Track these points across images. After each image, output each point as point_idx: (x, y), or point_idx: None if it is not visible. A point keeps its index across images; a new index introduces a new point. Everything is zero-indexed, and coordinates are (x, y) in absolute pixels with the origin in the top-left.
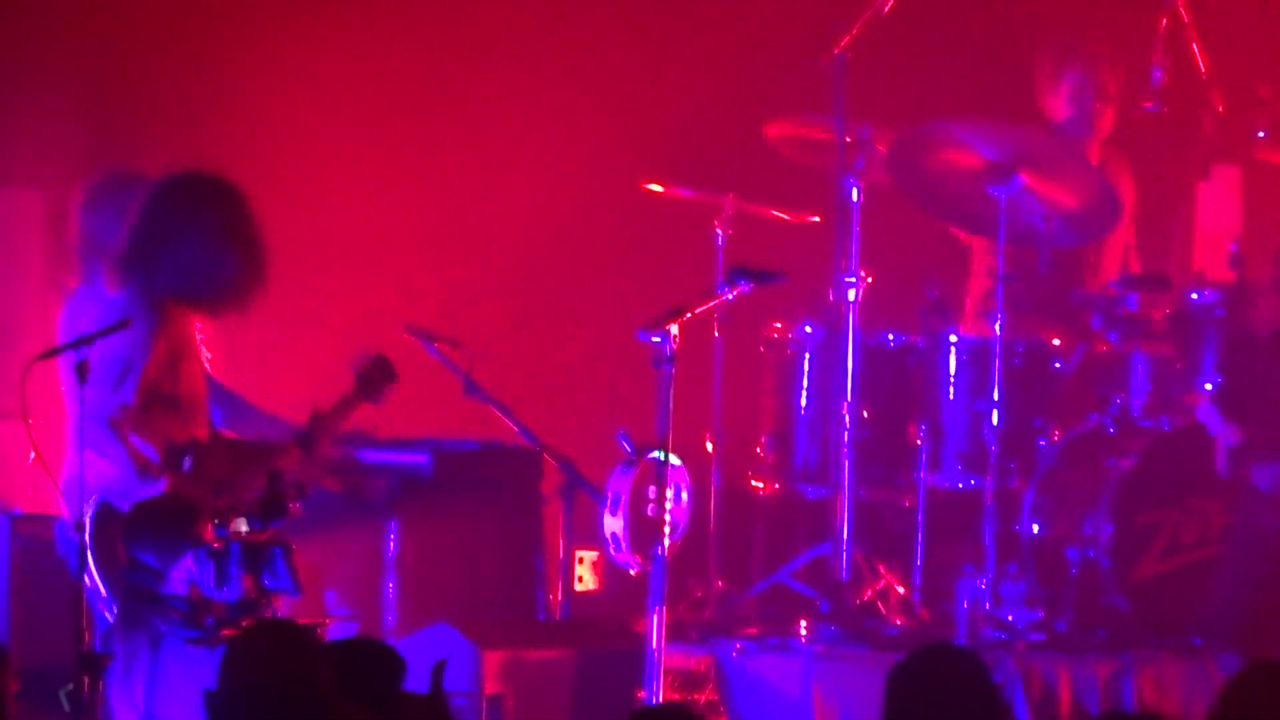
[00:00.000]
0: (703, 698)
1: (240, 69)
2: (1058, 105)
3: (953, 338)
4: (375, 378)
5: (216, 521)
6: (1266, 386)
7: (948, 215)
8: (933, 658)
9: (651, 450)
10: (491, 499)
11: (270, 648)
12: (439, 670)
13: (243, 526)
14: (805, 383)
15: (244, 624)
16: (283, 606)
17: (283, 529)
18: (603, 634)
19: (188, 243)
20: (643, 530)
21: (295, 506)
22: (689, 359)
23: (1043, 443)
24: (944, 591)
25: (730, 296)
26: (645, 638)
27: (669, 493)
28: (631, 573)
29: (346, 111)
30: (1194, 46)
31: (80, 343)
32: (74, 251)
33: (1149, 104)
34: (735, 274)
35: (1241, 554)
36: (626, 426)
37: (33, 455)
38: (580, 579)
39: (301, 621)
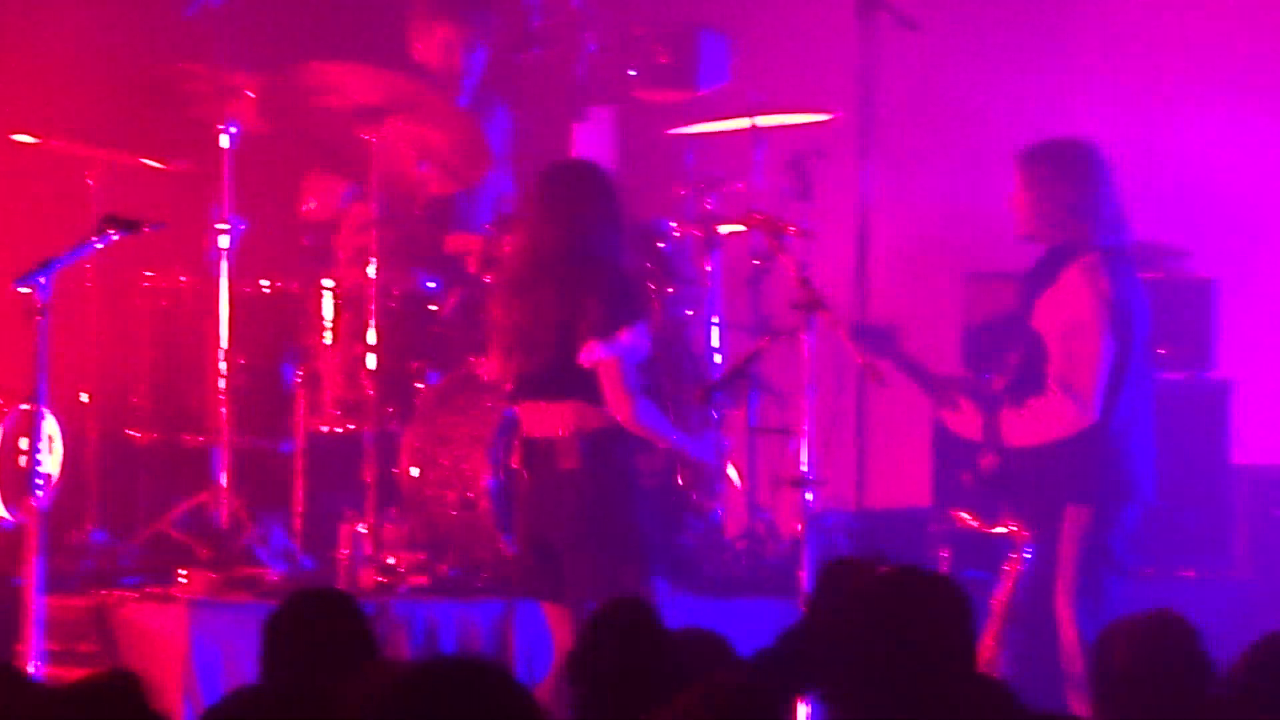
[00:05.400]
0: (84, 648)
1: None
2: (429, 54)
3: (328, 283)
4: None
5: None
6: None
7: (324, 161)
8: (306, 602)
9: (23, 402)
10: None
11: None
12: None
13: None
14: (181, 332)
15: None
16: None
17: None
18: None
19: None
20: (16, 481)
21: None
22: (65, 310)
23: (420, 386)
24: (326, 538)
25: (100, 246)
26: (24, 589)
27: (42, 444)
28: (6, 524)
29: None
30: None
31: None
32: None
33: (521, 55)
34: (105, 224)
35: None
36: None
37: None
38: None
39: None
